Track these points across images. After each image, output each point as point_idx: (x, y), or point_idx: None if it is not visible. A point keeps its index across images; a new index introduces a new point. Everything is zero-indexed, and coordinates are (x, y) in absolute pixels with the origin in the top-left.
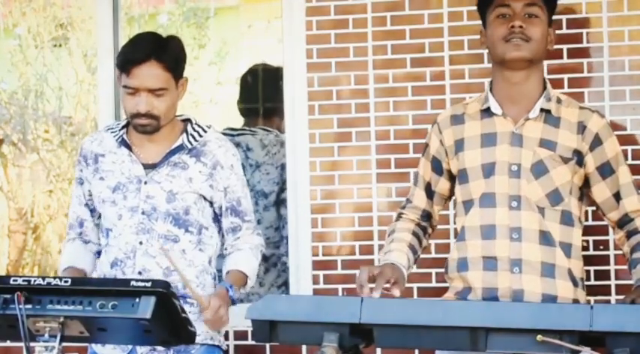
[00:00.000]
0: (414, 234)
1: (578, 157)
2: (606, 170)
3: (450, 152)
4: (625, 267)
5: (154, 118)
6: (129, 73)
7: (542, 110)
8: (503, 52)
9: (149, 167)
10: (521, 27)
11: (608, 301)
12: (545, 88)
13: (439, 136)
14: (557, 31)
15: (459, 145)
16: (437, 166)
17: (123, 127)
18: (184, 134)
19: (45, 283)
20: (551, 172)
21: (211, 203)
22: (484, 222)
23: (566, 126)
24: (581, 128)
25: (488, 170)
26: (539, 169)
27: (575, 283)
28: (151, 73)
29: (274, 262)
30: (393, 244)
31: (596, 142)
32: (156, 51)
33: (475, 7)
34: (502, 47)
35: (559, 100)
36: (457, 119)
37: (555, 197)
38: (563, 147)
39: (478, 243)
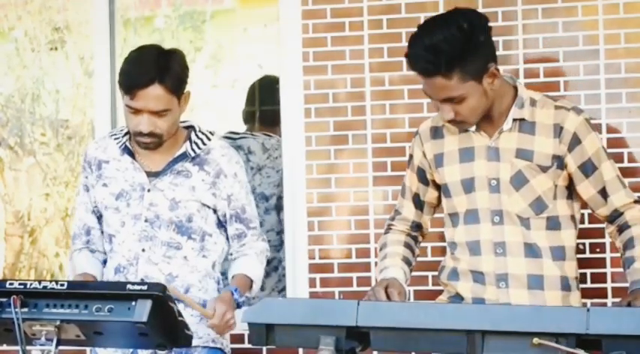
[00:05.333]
0: (406, 245)
1: (558, 162)
2: (588, 168)
3: (432, 164)
4: (621, 270)
5: (156, 137)
6: (132, 96)
7: (515, 120)
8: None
9: (152, 175)
10: (451, 120)
11: (605, 304)
12: (516, 91)
13: (421, 147)
14: (553, 34)
15: (439, 160)
16: (422, 177)
17: (126, 134)
18: (188, 142)
19: (41, 286)
20: (531, 181)
21: (215, 210)
22: (469, 238)
23: (542, 131)
24: (558, 130)
25: (468, 186)
26: (519, 180)
27: (567, 288)
28: (154, 96)
29: (275, 265)
30: (387, 260)
31: (575, 141)
32: (159, 74)
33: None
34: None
35: (533, 102)
36: (437, 132)
37: (539, 206)
38: (541, 155)
39: (465, 258)
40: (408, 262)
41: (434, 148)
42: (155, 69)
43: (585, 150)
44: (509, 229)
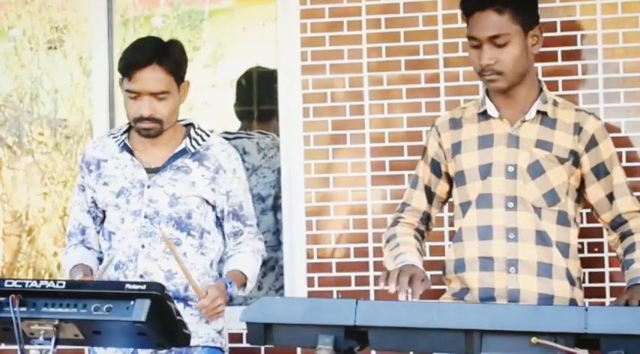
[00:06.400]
0: (416, 238)
1: (574, 158)
2: (601, 171)
3: (448, 155)
4: (619, 269)
5: (156, 122)
6: (131, 78)
7: (538, 112)
8: (483, 82)
9: (152, 171)
10: (490, 64)
11: (603, 304)
12: (541, 90)
13: (437, 139)
14: (552, 34)
15: (457, 148)
16: (436, 169)
17: (125, 132)
18: (187, 138)
19: (39, 286)
20: (547, 172)
21: (214, 207)
22: (481, 223)
23: (562, 127)
24: (578, 129)
25: (485, 171)
26: (536, 170)
27: (572, 283)
28: (152, 77)
29: (272, 265)
30: (402, 247)
31: (592, 143)
32: (157, 55)
33: None
34: (480, 78)
35: (555, 103)
36: (455, 123)
37: (552, 197)
38: (560, 147)
39: (475, 244)
40: (420, 253)
41: (452, 138)
42: (153, 52)
43: (601, 153)
44: (523, 216)
